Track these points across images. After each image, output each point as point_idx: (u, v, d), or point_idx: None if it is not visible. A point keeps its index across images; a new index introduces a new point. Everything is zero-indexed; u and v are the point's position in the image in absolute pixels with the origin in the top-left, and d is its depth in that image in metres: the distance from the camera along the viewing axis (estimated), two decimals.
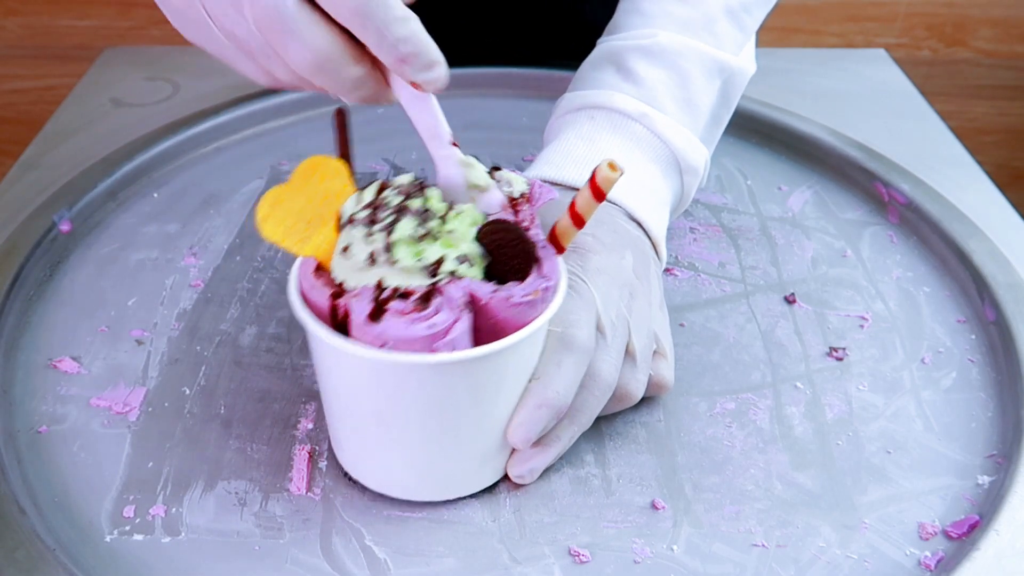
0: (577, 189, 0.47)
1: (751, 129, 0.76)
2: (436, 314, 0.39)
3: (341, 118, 0.44)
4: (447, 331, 0.39)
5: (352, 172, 0.43)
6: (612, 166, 0.42)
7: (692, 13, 0.58)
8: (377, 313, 0.39)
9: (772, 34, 1.84)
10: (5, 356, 0.53)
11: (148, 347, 0.55)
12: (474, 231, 0.42)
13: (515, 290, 0.41)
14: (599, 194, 0.43)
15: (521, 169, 0.57)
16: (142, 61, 0.87)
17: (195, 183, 0.71)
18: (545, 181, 0.54)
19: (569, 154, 0.55)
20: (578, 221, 0.44)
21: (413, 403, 0.42)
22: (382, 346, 0.39)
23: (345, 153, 0.44)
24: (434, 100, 0.43)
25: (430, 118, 0.43)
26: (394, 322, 0.39)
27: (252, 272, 0.61)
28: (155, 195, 0.69)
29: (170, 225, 0.65)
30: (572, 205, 0.44)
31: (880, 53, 0.90)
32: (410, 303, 0.39)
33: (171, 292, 0.59)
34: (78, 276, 0.61)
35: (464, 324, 0.40)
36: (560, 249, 0.45)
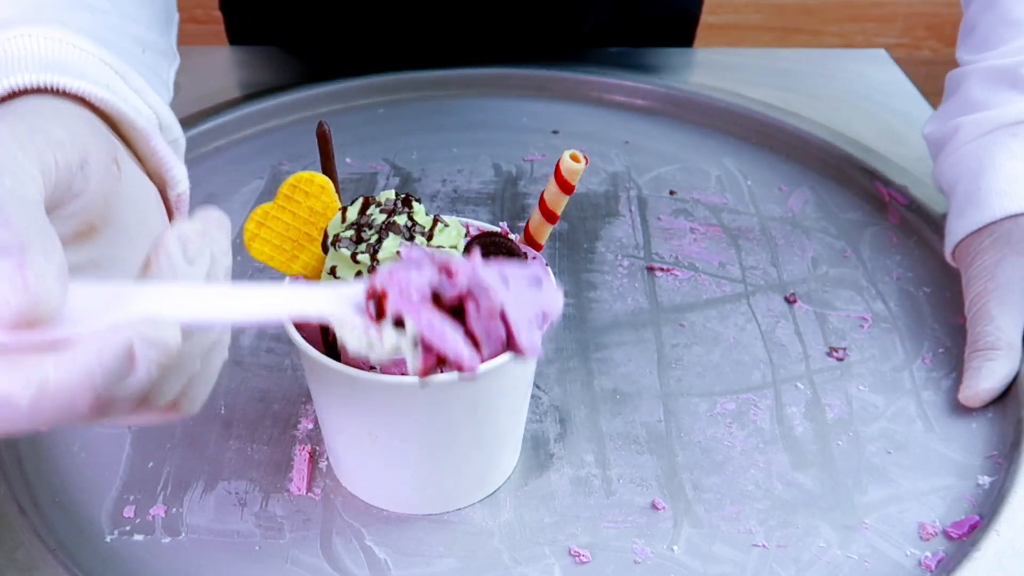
0: None
1: (751, 129, 0.76)
2: None
3: (323, 134, 0.43)
4: None
5: (337, 188, 0.43)
6: (575, 157, 0.41)
7: None
8: None
9: (772, 34, 1.85)
10: None
11: None
12: (462, 246, 0.42)
13: None
14: (566, 186, 0.42)
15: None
16: None
17: (195, 183, 0.69)
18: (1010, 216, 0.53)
19: (1017, 178, 0.54)
20: (550, 216, 0.43)
21: (406, 423, 0.41)
22: (372, 367, 0.39)
23: (329, 169, 0.43)
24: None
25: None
26: None
27: (252, 272, 0.61)
28: None
29: None
30: (542, 201, 0.43)
31: (880, 53, 0.90)
32: None
33: None
34: None
35: None
36: (537, 247, 0.44)
